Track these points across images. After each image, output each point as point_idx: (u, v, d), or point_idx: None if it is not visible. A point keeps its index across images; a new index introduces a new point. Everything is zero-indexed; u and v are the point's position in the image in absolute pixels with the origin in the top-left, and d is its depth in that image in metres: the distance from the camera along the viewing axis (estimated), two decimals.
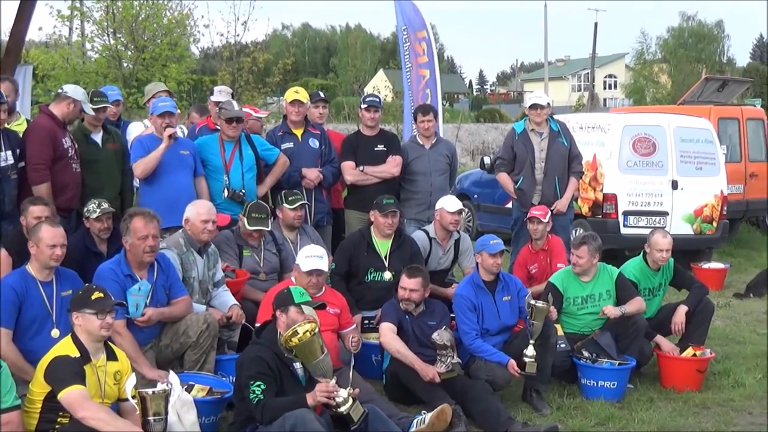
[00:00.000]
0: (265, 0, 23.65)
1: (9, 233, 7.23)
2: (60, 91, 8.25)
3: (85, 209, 7.48)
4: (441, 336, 6.95)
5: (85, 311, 5.45)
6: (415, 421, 6.38)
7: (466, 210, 14.73)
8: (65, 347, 5.43)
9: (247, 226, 7.91)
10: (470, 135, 41.16)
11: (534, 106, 9.89)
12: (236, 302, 7.37)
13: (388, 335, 7.12)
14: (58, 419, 5.33)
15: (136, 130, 9.16)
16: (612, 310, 7.84)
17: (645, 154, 13.02)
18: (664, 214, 12.96)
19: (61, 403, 5.20)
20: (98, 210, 7.36)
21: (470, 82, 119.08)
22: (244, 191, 8.49)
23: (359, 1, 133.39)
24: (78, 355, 5.39)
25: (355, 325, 7.46)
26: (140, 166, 8.09)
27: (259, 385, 5.62)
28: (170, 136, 8.03)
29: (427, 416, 6.36)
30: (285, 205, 8.34)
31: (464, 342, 7.31)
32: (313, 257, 7.09)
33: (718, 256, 14.28)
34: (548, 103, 10.03)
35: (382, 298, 7.79)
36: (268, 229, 8.10)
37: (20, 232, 6.92)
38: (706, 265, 13.11)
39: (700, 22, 62.40)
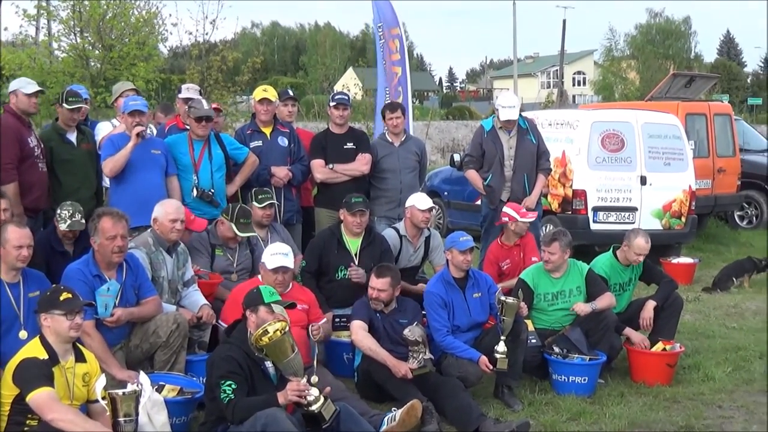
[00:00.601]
0: None
1: None
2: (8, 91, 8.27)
3: (58, 211, 7.38)
4: (413, 332, 6.94)
5: (53, 312, 5.40)
6: (386, 418, 6.37)
7: (437, 207, 14.74)
8: (33, 349, 5.38)
9: (239, 233, 7.89)
10: (440, 132, 41.26)
11: (507, 121, 9.84)
12: (206, 302, 7.33)
13: (359, 333, 7.12)
14: (27, 422, 5.29)
15: (104, 129, 9.08)
16: (582, 308, 7.87)
17: (614, 150, 13.07)
18: (633, 209, 13.03)
19: (29, 406, 5.15)
20: (68, 221, 7.27)
21: (440, 79, 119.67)
22: (213, 190, 8.46)
23: None
24: (46, 356, 5.34)
25: (325, 320, 7.44)
26: (109, 164, 8.04)
27: (230, 385, 5.59)
28: (138, 134, 7.98)
29: (398, 413, 6.35)
30: (254, 203, 8.32)
31: (435, 339, 7.31)
32: (278, 254, 7.09)
33: (687, 251, 14.42)
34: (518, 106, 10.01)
35: (353, 295, 7.78)
36: (255, 233, 8.09)
37: None
38: (675, 260, 13.20)
39: (668, 18, 63.12)
